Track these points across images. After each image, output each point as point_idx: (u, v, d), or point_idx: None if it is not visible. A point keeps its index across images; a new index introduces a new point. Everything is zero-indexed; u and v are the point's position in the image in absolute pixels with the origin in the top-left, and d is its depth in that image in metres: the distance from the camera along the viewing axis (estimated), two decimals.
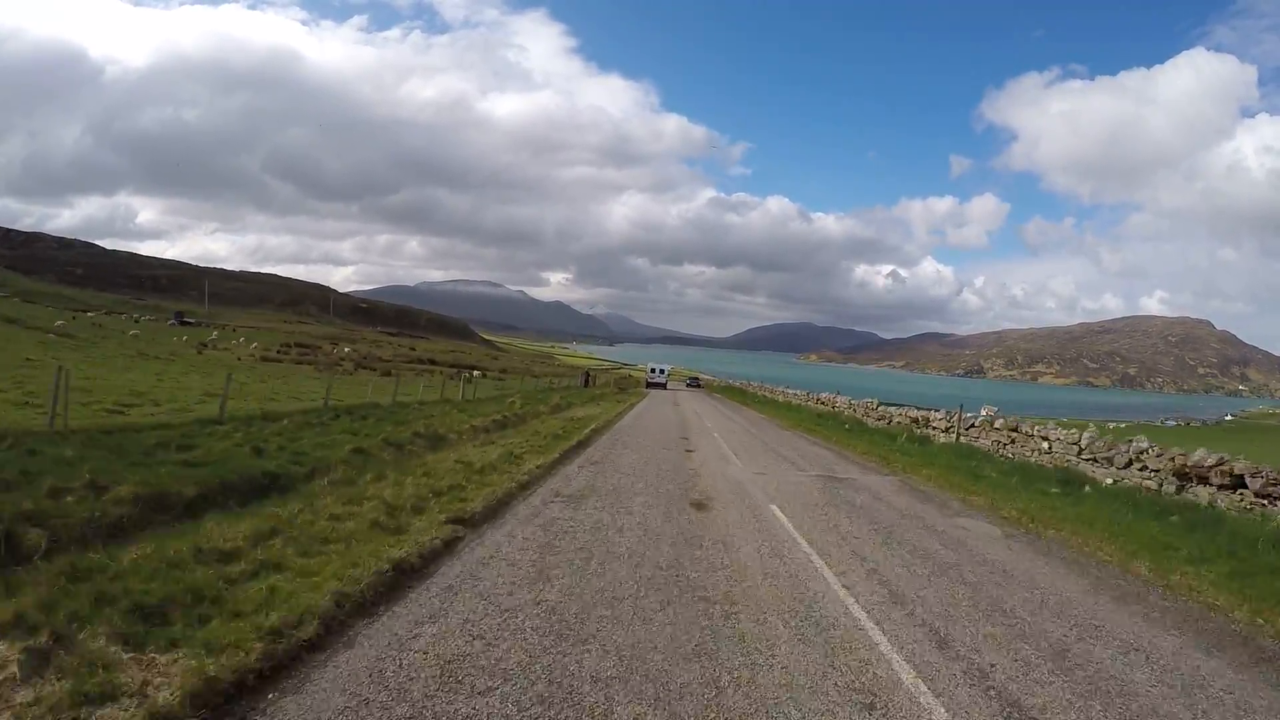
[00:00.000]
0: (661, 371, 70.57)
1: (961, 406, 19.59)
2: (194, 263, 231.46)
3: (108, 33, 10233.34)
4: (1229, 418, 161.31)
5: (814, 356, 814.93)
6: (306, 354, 50.75)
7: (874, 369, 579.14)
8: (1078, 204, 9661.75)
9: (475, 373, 47.43)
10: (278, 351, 46.77)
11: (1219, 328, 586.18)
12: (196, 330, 60.49)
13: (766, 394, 52.64)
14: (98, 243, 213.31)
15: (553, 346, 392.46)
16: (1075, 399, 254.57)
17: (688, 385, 78.99)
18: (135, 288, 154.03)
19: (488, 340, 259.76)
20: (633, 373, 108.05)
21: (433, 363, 61.38)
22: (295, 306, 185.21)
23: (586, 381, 56.89)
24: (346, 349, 59.57)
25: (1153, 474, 10.82)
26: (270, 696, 3.64)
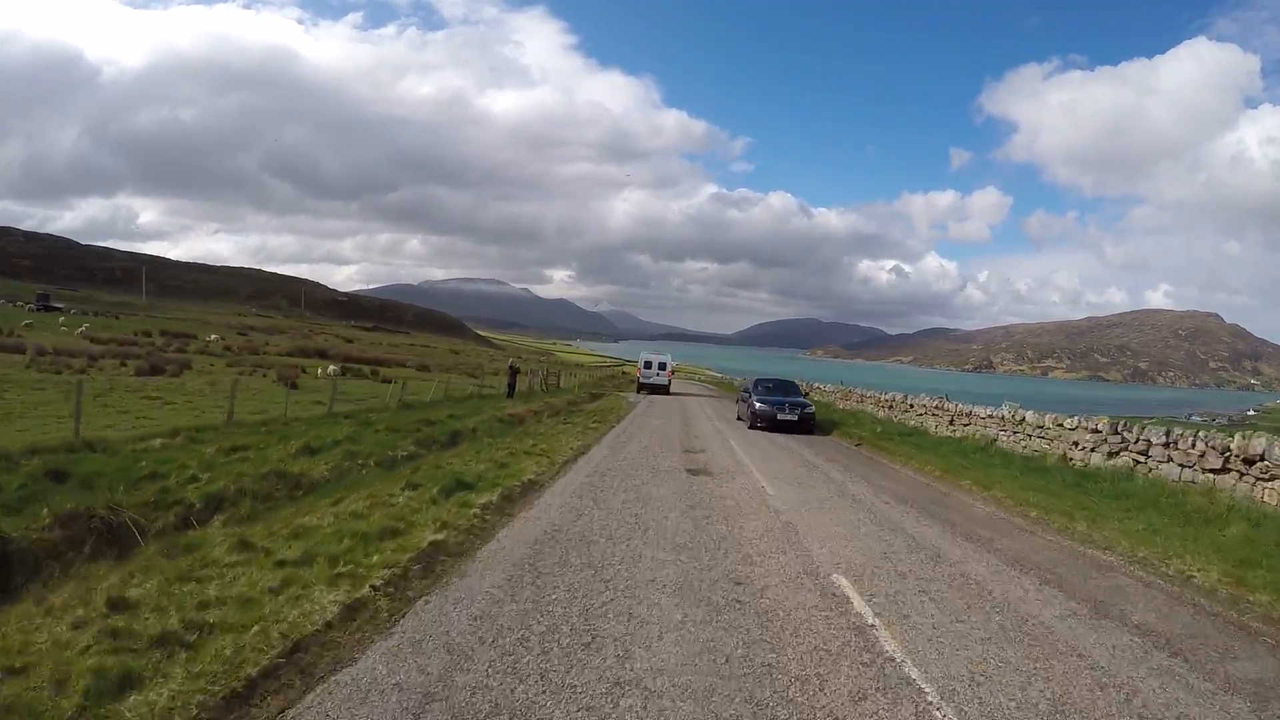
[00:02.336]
0: (662, 366, 47.70)
1: None
2: (192, 261, 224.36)
3: (104, 34, 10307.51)
4: (1251, 412, 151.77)
5: (820, 352, 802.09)
6: (146, 346, 41.82)
7: (882, 365, 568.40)
8: (1080, 197, 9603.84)
9: (332, 369, 37.86)
10: (91, 341, 37.74)
11: (1227, 321, 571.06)
12: (47, 315, 52.33)
13: (886, 413, 24.73)
14: (100, 244, 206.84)
15: (554, 344, 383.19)
16: (1093, 394, 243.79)
17: (759, 410, 22.23)
18: (85, 280, 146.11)
19: (482, 337, 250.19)
20: (630, 369, 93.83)
21: (322, 355, 51.88)
22: (263, 300, 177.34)
23: (512, 387, 32.20)
24: (213, 337, 50.72)
25: None
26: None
